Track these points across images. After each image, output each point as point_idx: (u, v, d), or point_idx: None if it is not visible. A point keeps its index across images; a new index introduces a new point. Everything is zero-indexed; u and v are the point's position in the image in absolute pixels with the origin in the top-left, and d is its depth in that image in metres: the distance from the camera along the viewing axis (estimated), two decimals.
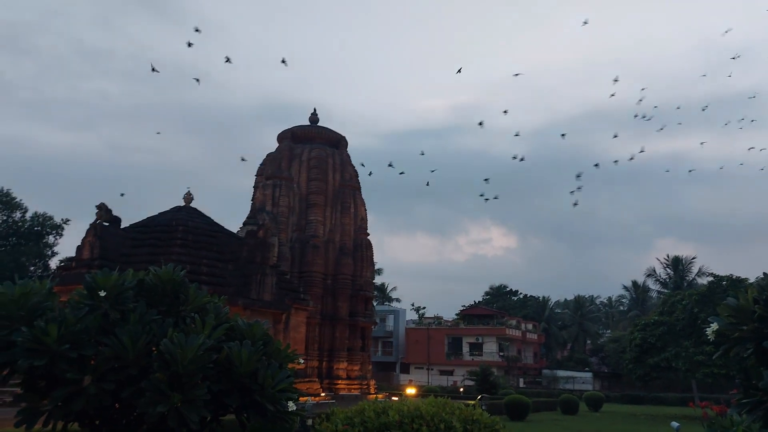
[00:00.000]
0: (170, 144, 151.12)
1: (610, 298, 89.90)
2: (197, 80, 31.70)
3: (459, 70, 74.80)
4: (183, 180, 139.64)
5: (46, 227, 47.71)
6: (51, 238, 48.49)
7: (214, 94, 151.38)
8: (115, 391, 5.62)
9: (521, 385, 60.13)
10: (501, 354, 64.50)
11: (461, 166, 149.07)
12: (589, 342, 79.51)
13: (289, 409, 6.17)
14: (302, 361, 5.86)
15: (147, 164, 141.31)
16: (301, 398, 24.80)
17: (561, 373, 67.00)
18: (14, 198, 45.76)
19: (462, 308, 76.57)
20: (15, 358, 5.45)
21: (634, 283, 78.24)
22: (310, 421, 9.81)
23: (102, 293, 5.92)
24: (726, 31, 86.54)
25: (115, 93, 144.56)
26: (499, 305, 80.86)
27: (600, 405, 37.94)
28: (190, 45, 26.98)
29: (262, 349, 6.23)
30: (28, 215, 47.16)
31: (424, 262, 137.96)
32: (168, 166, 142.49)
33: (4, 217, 45.77)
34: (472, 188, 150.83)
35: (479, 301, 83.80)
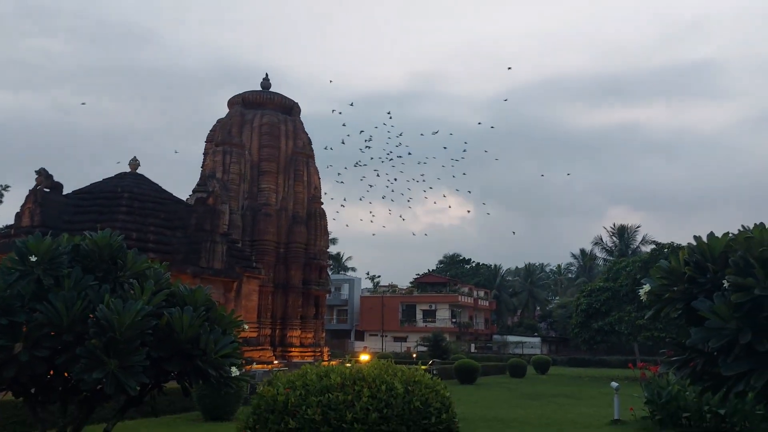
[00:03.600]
0: (118, 107, 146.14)
1: (559, 266, 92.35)
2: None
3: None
4: (132, 145, 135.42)
5: None
6: None
7: (164, 56, 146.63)
8: (49, 358, 5.46)
9: (472, 350, 61.52)
10: (453, 321, 65.71)
11: (420, 134, 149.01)
12: (538, 308, 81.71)
13: (232, 375, 6.13)
14: (247, 327, 5.80)
15: (94, 128, 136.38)
16: (249, 366, 24.74)
17: (511, 338, 68.80)
18: None
19: (416, 276, 77.50)
20: None
21: (582, 251, 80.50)
22: (260, 388, 9.83)
23: (33, 258, 5.70)
24: None
25: (60, 52, 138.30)
26: (452, 273, 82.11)
27: (547, 368, 39.23)
28: None
29: (204, 314, 6.14)
30: None
31: (380, 231, 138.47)
32: (116, 130, 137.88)
33: None
34: (431, 157, 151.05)
35: (433, 270, 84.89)
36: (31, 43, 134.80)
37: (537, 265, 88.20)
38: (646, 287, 4.80)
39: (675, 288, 4.62)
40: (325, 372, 5.15)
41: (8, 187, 48.17)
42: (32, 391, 5.82)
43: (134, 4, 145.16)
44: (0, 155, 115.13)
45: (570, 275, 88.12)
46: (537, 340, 68.22)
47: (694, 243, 4.69)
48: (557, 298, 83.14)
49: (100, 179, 27.82)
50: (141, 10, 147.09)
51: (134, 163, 28.85)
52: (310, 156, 35.26)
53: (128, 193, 25.20)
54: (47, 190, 24.76)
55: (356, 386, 4.93)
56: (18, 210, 24.52)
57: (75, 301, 5.59)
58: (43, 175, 24.81)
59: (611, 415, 14.85)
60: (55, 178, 25.20)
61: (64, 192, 25.93)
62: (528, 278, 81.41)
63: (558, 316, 70.69)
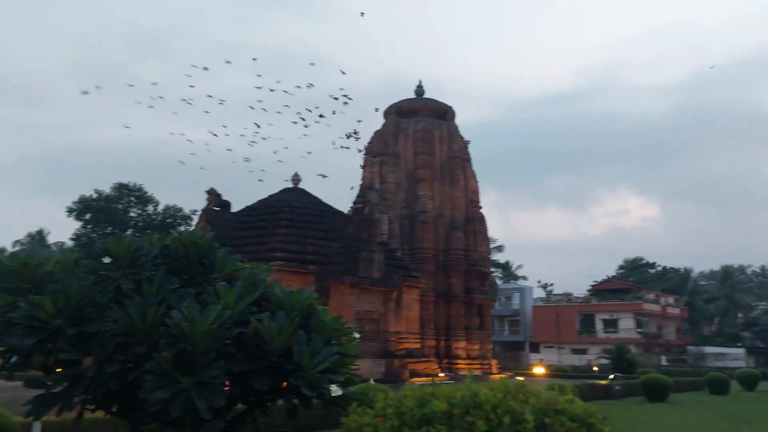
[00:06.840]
0: (303, 133, 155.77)
1: (763, 267, 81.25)
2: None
3: (362, 14, 65.03)
4: (311, 167, 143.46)
5: (177, 218, 50.54)
6: (182, 229, 51.38)
7: (342, 81, 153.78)
8: (122, 372, 4.81)
9: (663, 363, 55.71)
10: (639, 330, 60.21)
11: (593, 132, 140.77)
12: (740, 315, 72.40)
13: (333, 394, 5.02)
14: (358, 336, 4.54)
15: (280, 154, 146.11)
16: (418, 379, 23.84)
17: (709, 349, 61.55)
18: (146, 192, 48.90)
19: (593, 284, 72.37)
20: (12, 337, 4.78)
21: None
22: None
23: (106, 260, 5.11)
24: None
25: (252, 87, 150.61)
26: (635, 279, 75.57)
27: (755, 383, 34.01)
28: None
29: (298, 321, 5.13)
30: (160, 208, 50.23)
31: (554, 237, 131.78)
32: (300, 154, 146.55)
33: (139, 211, 49.03)
34: (606, 156, 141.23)
35: (613, 276, 78.83)
36: (226, 80, 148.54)
37: (736, 266, 78.15)
38: None
39: None
40: (430, 395, 3.85)
41: (196, 211, 52.82)
42: (113, 410, 5.15)
43: (311, 34, 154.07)
44: (199, 184, 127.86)
45: None
46: (741, 351, 60.39)
47: None
48: (763, 303, 73.04)
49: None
50: (319, 39, 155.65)
51: (296, 178, 29.69)
52: (467, 159, 33.95)
53: (288, 207, 25.81)
54: (217, 208, 26.14)
55: (468, 417, 3.57)
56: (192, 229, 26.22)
57: (150, 306, 4.85)
58: (212, 195, 26.25)
59: None
60: (239, 202, 26.69)
61: (234, 209, 27.25)
62: (726, 282, 72.40)
63: (766, 323, 61.87)
